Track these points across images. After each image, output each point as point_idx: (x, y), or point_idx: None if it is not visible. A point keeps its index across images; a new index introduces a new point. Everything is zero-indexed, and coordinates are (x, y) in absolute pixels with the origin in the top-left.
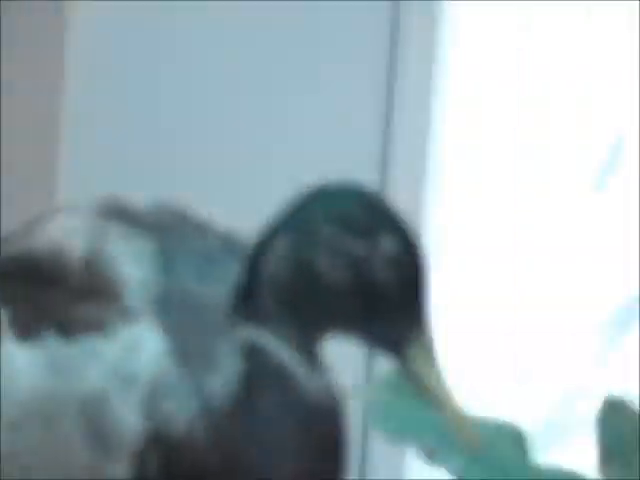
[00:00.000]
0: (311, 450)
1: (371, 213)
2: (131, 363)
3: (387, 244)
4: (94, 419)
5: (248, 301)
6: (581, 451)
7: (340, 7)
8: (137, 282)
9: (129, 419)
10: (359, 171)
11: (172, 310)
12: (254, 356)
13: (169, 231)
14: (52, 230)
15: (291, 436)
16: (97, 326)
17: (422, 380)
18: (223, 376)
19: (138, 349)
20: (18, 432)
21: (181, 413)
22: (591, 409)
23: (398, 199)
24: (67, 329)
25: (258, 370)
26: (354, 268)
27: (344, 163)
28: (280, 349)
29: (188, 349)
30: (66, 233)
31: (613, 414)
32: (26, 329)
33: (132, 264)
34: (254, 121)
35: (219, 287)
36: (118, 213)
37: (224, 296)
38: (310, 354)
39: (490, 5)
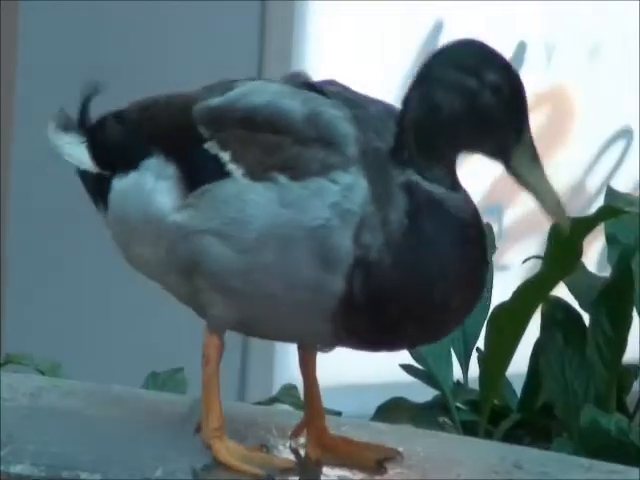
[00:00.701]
0: (468, 254)
1: (477, 55)
2: (349, 202)
3: (492, 77)
4: (319, 244)
5: (399, 149)
6: None
7: None
8: (351, 138)
9: (345, 245)
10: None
11: (367, 161)
12: (412, 191)
13: (351, 100)
14: (262, 91)
15: (452, 247)
16: (323, 170)
17: (525, 179)
18: (398, 211)
19: (353, 191)
20: (253, 254)
21: (375, 242)
22: None
23: None
24: (296, 170)
25: (417, 202)
26: (468, 99)
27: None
28: (426, 181)
29: (378, 192)
30: (278, 94)
31: None
32: (256, 168)
33: (344, 124)
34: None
35: (391, 141)
36: (308, 86)
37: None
38: (447, 176)
39: None
